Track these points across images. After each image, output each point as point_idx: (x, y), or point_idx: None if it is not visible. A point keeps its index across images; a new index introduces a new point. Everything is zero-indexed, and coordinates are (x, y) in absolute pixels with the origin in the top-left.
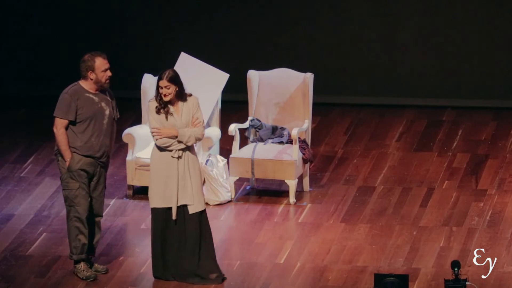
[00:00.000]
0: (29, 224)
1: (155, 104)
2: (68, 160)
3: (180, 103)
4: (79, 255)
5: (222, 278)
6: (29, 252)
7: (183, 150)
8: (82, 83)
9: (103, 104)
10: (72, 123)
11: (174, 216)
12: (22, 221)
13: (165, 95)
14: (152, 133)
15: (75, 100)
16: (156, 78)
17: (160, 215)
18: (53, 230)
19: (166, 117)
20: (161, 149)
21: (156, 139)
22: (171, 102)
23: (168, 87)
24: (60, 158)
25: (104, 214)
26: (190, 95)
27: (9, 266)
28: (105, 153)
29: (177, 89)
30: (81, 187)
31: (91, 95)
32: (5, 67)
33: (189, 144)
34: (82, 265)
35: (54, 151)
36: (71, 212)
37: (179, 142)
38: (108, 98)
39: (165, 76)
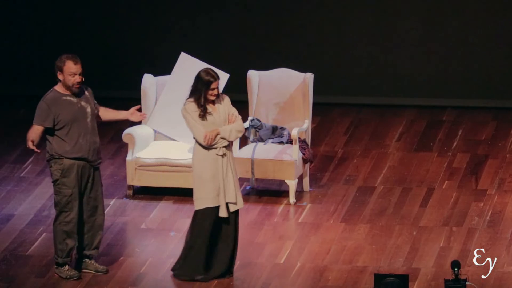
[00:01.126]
0: (29, 224)
1: (193, 106)
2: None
3: (216, 101)
4: (65, 259)
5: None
6: (29, 252)
7: (226, 147)
8: (58, 88)
9: (82, 103)
10: (55, 130)
11: (225, 214)
12: (22, 221)
13: (215, 95)
14: (204, 141)
15: (52, 106)
16: (156, 78)
17: (210, 215)
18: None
19: (206, 117)
20: (205, 149)
21: (208, 144)
22: (212, 101)
23: (217, 86)
24: (52, 164)
25: (104, 213)
26: (222, 93)
27: (9, 266)
28: (95, 152)
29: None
30: (74, 193)
31: (68, 97)
32: (4, 67)
33: (232, 139)
34: (66, 266)
35: (47, 156)
36: (60, 216)
37: (222, 138)
38: (87, 95)
39: (216, 76)
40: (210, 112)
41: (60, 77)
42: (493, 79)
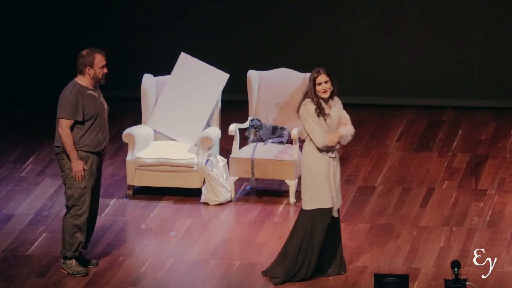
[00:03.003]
0: (29, 224)
1: (313, 106)
2: (75, 160)
3: (331, 102)
4: (74, 253)
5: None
6: (29, 252)
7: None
8: (80, 80)
9: (101, 98)
10: (79, 122)
11: (336, 214)
12: (22, 221)
13: (325, 91)
14: (323, 145)
15: (80, 100)
16: (156, 78)
17: (326, 216)
18: (53, 230)
19: (325, 119)
20: (319, 151)
21: (329, 146)
22: (326, 101)
23: (327, 82)
24: (65, 157)
25: (104, 214)
26: (335, 95)
27: (9, 266)
28: (105, 148)
29: (333, 83)
30: (88, 186)
31: (91, 92)
32: (5, 67)
33: (344, 143)
34: (73, 261)
35: (54, 150)
36: (72, 210)
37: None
38: (100, 91)
39: (323, 71)
40: (328, 114)
41: (89, 72)
42: (493, 79)
